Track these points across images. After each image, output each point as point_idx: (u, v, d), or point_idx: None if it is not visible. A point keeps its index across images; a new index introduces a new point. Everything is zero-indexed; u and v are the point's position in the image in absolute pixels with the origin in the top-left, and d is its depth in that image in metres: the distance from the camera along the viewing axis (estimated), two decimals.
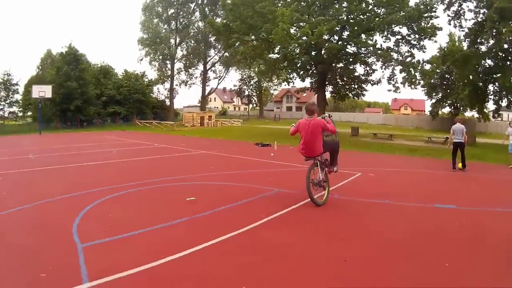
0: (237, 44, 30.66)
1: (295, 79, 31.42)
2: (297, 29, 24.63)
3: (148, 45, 50.32)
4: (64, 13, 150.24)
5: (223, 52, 47.23)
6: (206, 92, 58.44)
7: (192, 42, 51.97)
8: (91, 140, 23.76)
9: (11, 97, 42.42)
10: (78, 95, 39.63)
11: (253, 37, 27.57)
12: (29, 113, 44.36)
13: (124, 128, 38.50)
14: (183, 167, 11.67)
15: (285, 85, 39.47)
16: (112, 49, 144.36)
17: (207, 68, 55.07)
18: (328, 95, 33.26)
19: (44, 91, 35.62)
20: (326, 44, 24.44)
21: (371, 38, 25.82)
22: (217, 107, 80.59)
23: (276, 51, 27.33)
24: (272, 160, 13.06)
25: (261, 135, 25.39)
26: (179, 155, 15.31)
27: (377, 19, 24.15)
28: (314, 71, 28.06)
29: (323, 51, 25.78)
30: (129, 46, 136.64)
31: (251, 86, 65.51)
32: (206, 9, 50.04)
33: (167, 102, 54.17)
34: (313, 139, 6.26)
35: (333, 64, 27.33)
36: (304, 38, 24.13)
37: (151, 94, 49.83)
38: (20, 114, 44.20)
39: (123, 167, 11.74)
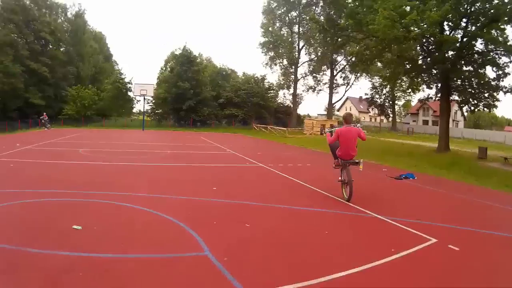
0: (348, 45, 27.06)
1: (421, 86, 25.08)
2: (402, 18, 18.48)
3: (271, 49, 48.91)
4: (189, 14, 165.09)
5: (349, 56, 42.05)
6: (338, 99, 55.78)
7: (316, 45, 48.36)
8: (180, 139, 25.11)
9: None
10: (191, 96, 40.71)
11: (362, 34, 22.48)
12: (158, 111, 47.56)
13: (237, 130, 38.57)
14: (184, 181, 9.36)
15: (410, 93, 32.34)
16: (232, 51, 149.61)
17: (334, 74, 50.61)
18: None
19: (145, 89, 37.36)
20: (438, 36, 18.11)
21: (502, 30, 18.08)
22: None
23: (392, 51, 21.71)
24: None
25: (375, 150, 20.55)
26: (230, 166, 13.26)
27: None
28: (435, 75, 21.60)
29: (442, 48, 19.16)
30: (250, 49, 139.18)
31: (384, 95, 58.27)
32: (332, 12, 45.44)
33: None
34: (353, 145, 7.38)
35: (458, 66, 20.36)
36: (417, 29, 18.24)
37: (272, 99, 48.13)
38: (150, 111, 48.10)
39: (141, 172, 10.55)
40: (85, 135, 26.10)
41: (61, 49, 50.04)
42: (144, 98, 38.44)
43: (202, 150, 18.36)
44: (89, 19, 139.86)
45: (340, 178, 7.66)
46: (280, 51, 48.90)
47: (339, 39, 25.66)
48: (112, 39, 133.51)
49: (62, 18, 53.70)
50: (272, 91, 49.62)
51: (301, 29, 49.77)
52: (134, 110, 51.48)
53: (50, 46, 46.98)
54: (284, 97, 53.99)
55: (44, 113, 34.72)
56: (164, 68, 47.57)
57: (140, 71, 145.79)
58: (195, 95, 41.57)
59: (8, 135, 25.95)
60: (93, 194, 6.86)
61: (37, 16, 45.12)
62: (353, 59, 27.34)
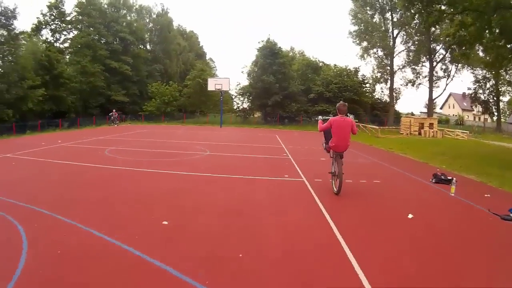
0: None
1: None
2: None
3: (363, 38, 44.29)
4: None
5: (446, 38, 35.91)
6: (439, 95, 49.72)
7: (413, 32, 42.87)
8: (249, 138, 22.38)
9: None
10: (277, 90, 37.60)
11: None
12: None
13: None
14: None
15: None
16: (323, 42, 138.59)
17: (434, 65, 44.61)
18: None
19: (220, 84, 34.50)
20: None
21: None
22: (455, 115, 66.96)
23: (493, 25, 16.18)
24: None
25: (476, 156, 15.40)
26: (264, 179, 9.25)
27: None
28: None
29: None
30: (340, 39, 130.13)
31: (487, 90, 50.64)
32: None
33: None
34: (347, 136, 7.09)
35: None
36: None
37: (367, 93, 43.96)
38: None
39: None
40: (148, 132, 24.77)
41: (144, 48, 51.29)
42: (221, 93, 35.90)
43: (256, 153, 14.80)
44: (178, 18, 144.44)
45: (331, 170, 7.58)
46: (374, 40, 43.89)
47: (430, 16, 19.78)
48: (205, 37, 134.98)
49: (147, 18, 54.96)
50: (366, 85, 44.65)
51: (394, 15, 44.34)
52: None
53: (132, 46, 47.41)
54: (381, 92, 48.82)
55: (114, 110, 34.27)
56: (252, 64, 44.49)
57: (233, 68, 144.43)
58: (281, 89, 38.34)
59: (74, 131, 27.07)
60: None
61: (116, 17, 46.40)
62: (450, 42, 21.92)
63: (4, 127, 25.27)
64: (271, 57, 38.88)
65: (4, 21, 29.11)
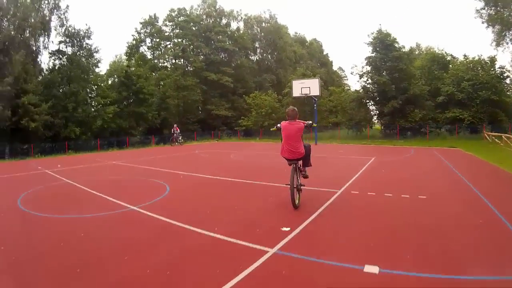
0: None
1: None
2: None
3: (495, 20, 32.36)
4: None
5: None
6: None
7: None
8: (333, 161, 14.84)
9: None
10: (394, 93, 29.70)
11: None
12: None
13: (457, 143, 23.48)
14: None
15: None
16: (445, 29, 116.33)
17: None
18: None
19: (308, 87, 27.20)
20: None
21: None
22: None
23: None
24: None
25: None
26: None
27: None
28: None
29: None
30: (468, 22, 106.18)
31: None
32: None
33: None
34: (296, 141, 6.59)
35: None
36: None
37: (509, 92, 31.92)
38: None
39: None
40: (203, 158, 18.32)
41: (252, 57, 49.30)
42: (314, 100, 27.71)
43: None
44: (295, 25, 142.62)
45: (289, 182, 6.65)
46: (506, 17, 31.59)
47: None
48: (329, 45, 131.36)
49: (255, 26, 52.64)
50: (506, 80, 32.35)
51: None
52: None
53: (235, 56, 45.59)
54: None
55: (175, 125, 29.97)
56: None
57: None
58: (400, 91, 30.12)
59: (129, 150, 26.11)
60: None
61: (212, 27, 44.68)
62: None
63: (74, 144, 26.84)
64: (383, 51, 31.27)
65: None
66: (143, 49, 42.34)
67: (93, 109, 29.81)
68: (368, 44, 33.25)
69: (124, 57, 44.76)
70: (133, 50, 41.37)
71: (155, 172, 11.95)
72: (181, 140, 28.80)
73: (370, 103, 34.91)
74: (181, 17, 41.98)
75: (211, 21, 44.86)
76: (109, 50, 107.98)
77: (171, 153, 21.04)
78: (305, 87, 27.08)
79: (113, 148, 28.03)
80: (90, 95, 30.36)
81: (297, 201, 6.52)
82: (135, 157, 19.19)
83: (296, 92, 28.05)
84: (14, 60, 26.52)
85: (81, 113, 28.88)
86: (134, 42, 41.44)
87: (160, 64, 42.45)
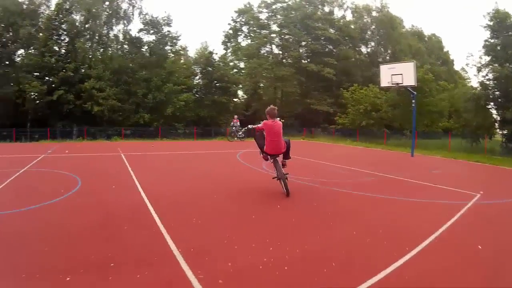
0: None
1: None
2: None
3: None
4: None
5: None
6: None
7: None
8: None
9: None
10: None
11: None
12: None
13: None
14: None
15: None
16: None
17: None
18: None
19: (400, 74, 19.46)
20: None
21: None
22: None
23: None
24: None
25: None
26: None
27: None
28: None
29: None
30: None
31: None
32: None
33: None
34: (280, 138, 7.36)
35: None
36: None
37: None
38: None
39: None
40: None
41: (360, 49, 44.75)
42: (412, 93, 19.60)
43: None
44: (412, 18, 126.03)
45: (274, 175, 7.79)
46: None
47: None
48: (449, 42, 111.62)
49: (365, 16, 47.04)
50: None
51: None
52: None
53: (340, 46, 41.30)
54: None
55: (235, 117, 26.93)
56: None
57: None
58: None
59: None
60: None
61: (312, 14, 40.83)
62: None
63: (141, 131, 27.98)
64: (504, 34, 23.19)
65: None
66: (240, 38, 41.93)
67: (164, 97, 29.79)
68: (485, 27, 24.54)
69: (209, 44, 44.95)
70: (230, 39, 40.96)
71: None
72: (241, 135, 25.57)
73: (490, 106, 26.24)
74: (278, 4, 39.45)
75: (311, 8, 40.76)
76: (200, 37, 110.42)
77: (214, 149, 19.42)
78: (396, 74, 19.69)
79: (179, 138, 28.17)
80: (162, 81, 30.43)
81: (285, 190, 7.23)
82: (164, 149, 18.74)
83: (384, 81, 20.94)
84: (78, 47, 28.86)
85: (151, 100, 29.24)
86: (231, 31, 40.93)
87: (256, 52, 40.76)
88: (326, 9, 43.54)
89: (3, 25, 28.61)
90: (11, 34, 29.28)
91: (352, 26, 43.42)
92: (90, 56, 30.32)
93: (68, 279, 3.31)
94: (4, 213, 5.63)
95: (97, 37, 31.94)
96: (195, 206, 6.24)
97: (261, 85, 40.17)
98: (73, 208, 5.96)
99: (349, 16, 45.92)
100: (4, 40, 28.88)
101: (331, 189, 8.29)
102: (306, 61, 38.92)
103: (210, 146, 21.49)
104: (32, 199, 6.52)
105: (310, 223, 5.44)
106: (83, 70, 29.06)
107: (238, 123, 26.16)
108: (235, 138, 25.66)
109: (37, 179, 9.10)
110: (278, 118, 7.43)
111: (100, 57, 30.73)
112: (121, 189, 7.75)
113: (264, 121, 7.30)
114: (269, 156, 7.57)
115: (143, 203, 6.26)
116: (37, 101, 27.66)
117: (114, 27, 32.82)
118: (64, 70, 27.70)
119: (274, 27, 40.42)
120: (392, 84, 19.88)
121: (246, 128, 8.31)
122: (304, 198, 7.25)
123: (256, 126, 7.66)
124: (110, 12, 32.07)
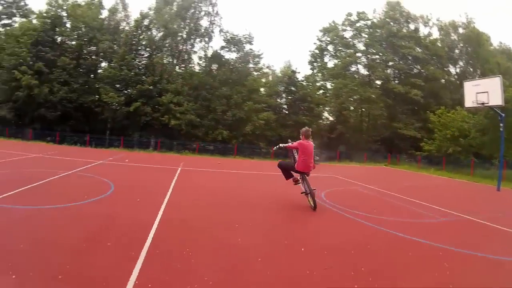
0: None
1: None
2: None
3: None
4: None
5: None
6: None
7: None
8: None
9: None
10: None
11: None
12: None
13: None
14: None
15: None
16: None
17: None
18: None
19: (486, 91, 16.25)
20: None
21: None
22: None
23: None
24: None
25: None
26: None
27: None
28: None
29: None
30: None
31: None
32: None
33: None
34: (311, 158, 7.85)
35: None
36: None
37: None
38: None
39: None
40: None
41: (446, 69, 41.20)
42: (500, 115, 16.15)
43: None
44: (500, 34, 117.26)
45: (302, 190, 8.06)
46: None
47: None
48: None
49: (452, 34, 43.56)
50: None
51: None
52: None
53: (427, 65, 38.34)
54: None
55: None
56: None
57: None
58: None
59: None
60: None
61: (396, 31, 38.53)
62: None
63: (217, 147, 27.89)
64: None
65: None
66: (327, 58, 40.55)
67: (244, 114, 29.32)
68: None
69: (292, 63, 44.24)
70: (316, 58, 39.90)
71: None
72: (315, 158, 23.33)
73: None
74: (361, 21, 37.92)
75: (395, 26, 38.43)
76: (283, 56, 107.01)
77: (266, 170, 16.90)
78: (481, 92, 16.79)
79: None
80: (243, 99, 30.04)
81: (313, 204, 7.70)
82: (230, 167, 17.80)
83: (469, 101, 17.74)
84: (155, 62, 30.09)
85: (230, 117, 28.89)
86: (317, 50, 39.86)
87: (342, 72, 39.00)
88: (412, 26, 41.02)
89: (85, 39, 31.07)
90: (92, 48, 31.75)
91: (439, 44, 40.52)
92: (168, 71, 31.09)
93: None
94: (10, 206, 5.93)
95: (176, 53, 32.84)
96: (200, 241, 5.07)
97: (347, 106, 38.40)
98: (76, 215, 5.86)
99: (435, 34, 42.90)
100: (85, 53, 31.46)
101: (385, 230, 6.34)
102: (393, 82, 36.61)
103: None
104: (46, 201, 6.64)
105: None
106: (160, 85, 29.74)
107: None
108: None
109: (71, 183, 9.14)
110: (311, 139, 8.09)
111: (179, 72, 31.61)
112: (143, 204, 7.24)
113: (299, 141, 7.87)
114: (300, 174, 7.98)
115: (150, 224, 5.65)
116: (115, 111, 29.03)
117: (194, 44, 33.68)
118: (141, 83, 28.91)
119: (360, 46, 38.86)
120: (478, 104, 17.00)
121: (277, 146, 8.49)
122: (339, 240, 5.64)
123: (287, 145, 8.12)
124: (189, 29, 32.78)
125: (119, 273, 3.76)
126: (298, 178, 8.03)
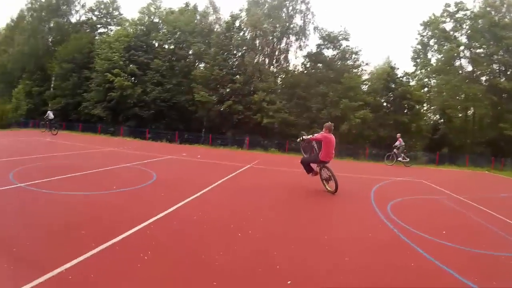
0: None
1: None
2: None
3: None
4: None
5: None
6: None
7: None
8: None
9: None
10: None
11: None
12: None
13: None
14: None
15: None
16: None
17: None
18: None
19: None
20: None
21: None
22: None
23: None
24: None
25: None
26: None
27: None
28: None
29: None
30: None
31: None
32: None
33: None
34: (333, 149, 8.76)
35: None
36: None
37: None
38: None
39: None
40: None
41: None
42: None
43: None
44: None
45: (321, 177, 8.91)
46: None
47: None
48: None
49: None
50: None
51: None
52: None
53: None
54: None
55: (398, 135, 20.42)
56: None
57: None
58: None
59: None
60: None
61: (499, 21, 34.57)
62: None
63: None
64: None
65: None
66: (430, 54, 37.70)
67: (339, 113, 27.66)
68: None
69: (391, 59, 41.89)
70: (419, 54, 37.46)
71: None
72: (406, 160, 19.81)
73: None
74: (461, 12, 34.83)
75: (497, 15, 35.04)
76: (383, 53, 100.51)
77: (364, 173, 14.43)
78: None
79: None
80: (339, 96, 28.49)
81: (332, 187, 8.54)
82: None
83: None
84: (246, 61, 30.46)
85: (325, 115, 27.28)
86: (419, 46, 37.36)
87: (444, 68, 36.04)
88: None
89: (179, 43, 33.03)
90: (185, 50, 33.47)
91: None
92: (261, 70, 31.20)
93: None
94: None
95: (269, 52, 32.98)
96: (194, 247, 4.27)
97: (451, 105, 35.23)
98: (88, 201, 6.03)
99: None
100: (178, 55, 32.88)
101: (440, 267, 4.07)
102: (498, 78, 33.12)
103: (365, 169, 16.48)
104: (80, 188, 6.99)
105: None
106: (252, 84, 30.07)
107: (401, 144, 19.98)
108: (393, 162, 19.93)
109: (115, 174, 9.46)
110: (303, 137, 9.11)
111: (272, 71, 31.70)
112: (165, 198, 6.86)
113: (323, 133, 8.64)
114: (321, 163, 8.80)
115: (149, 216, 5.24)
116: (208, 110, 29.60)
117: (288, 42, 33.67)
118: (233, 82, 29.31)
119: (462, 39, 35.64)
120: None
121: (300, 138, 9.15)
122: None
123: (310, 137, 8.88)
124: (282, 28, 32.74)
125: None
126: (317, 171, 8.98)
